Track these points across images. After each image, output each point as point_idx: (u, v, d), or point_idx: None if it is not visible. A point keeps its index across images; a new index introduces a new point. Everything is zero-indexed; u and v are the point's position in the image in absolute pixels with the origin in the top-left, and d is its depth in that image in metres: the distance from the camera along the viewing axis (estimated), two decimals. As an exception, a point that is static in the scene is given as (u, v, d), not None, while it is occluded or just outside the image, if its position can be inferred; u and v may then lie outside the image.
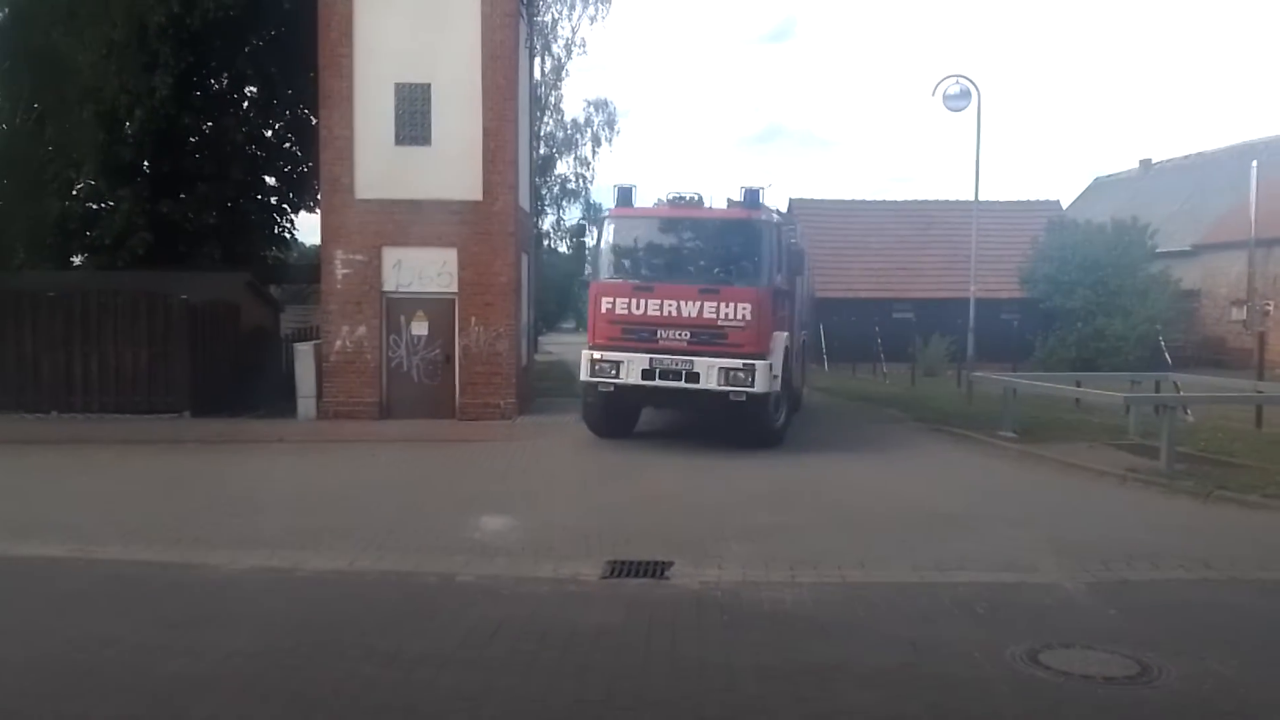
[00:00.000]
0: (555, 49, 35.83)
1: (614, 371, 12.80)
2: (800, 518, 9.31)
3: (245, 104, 22.26)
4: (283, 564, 7.48)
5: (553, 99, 37.00)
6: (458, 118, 16.18)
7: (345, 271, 16.26)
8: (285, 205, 23.57)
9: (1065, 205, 37.92)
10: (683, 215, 13.53)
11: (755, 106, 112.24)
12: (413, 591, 6.91)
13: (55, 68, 20.13)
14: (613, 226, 13.91)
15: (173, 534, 8.36)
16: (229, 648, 5.62)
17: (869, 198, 41.41)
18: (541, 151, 35.40)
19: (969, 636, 5.99)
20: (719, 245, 13.63)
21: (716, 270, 13.38)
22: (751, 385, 12.34)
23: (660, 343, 12.74)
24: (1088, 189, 45.58)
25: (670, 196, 13.71)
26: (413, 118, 16.24)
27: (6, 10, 20.93)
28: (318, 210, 18.40)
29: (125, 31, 19.12)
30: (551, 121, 37.67)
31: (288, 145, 22.92)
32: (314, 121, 18.73)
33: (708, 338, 12.63)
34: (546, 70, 35.37)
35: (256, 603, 6.69)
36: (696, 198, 13.57)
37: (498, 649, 5.67)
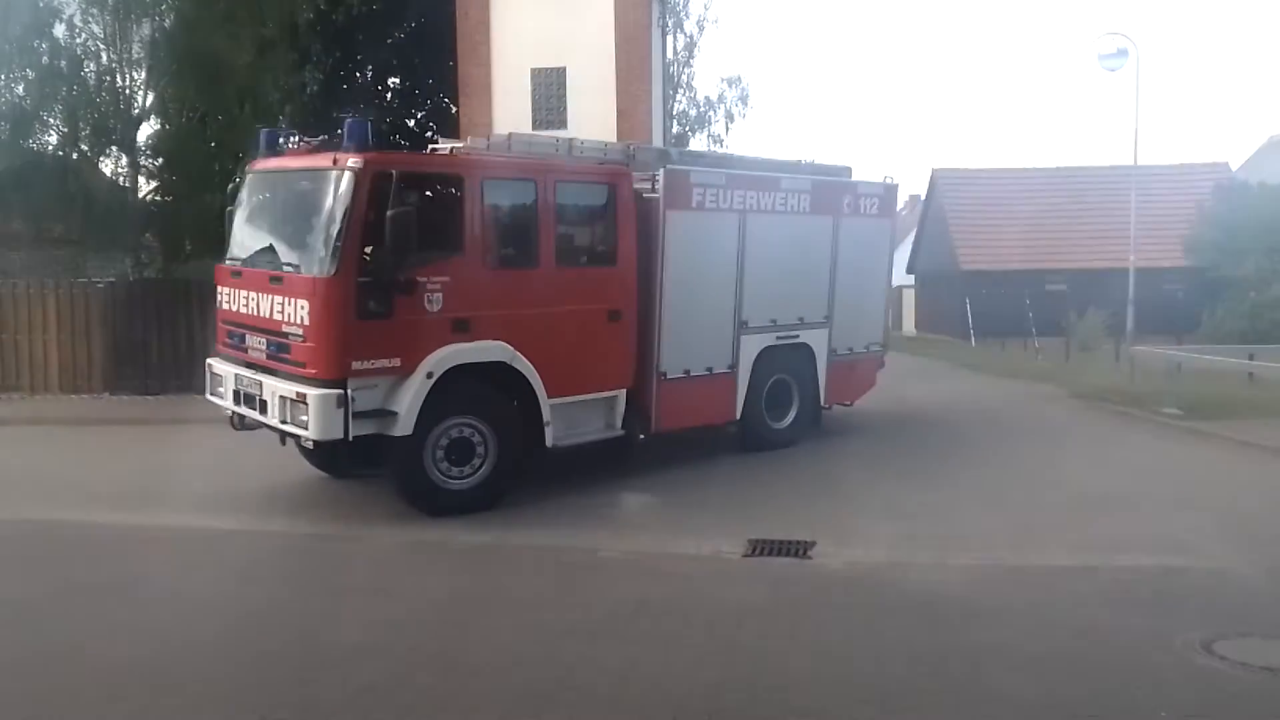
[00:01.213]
0: (687, 26, 35.66)
1: (221, 390, 9.05)
2: (947, 496, 9.03)
3: (389, 95, 23.04)
4: (437, 537, 7.76)
5: (685, 76, 36.88)
6: (592, 100, 16.34)
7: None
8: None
9: (1235, 167, 35.35)
10: (276, 167, 8.97)
11: (897, 73, 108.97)
12: (557, 564, 7.06)
13: (215, 70, 21.32)
14: (246, 185, 9.41)
15: (331, 508, 8.76)
16: (387, 616, 5.88)
17: (1020, 165, 39.45)
18: (675, 130, 35.35)
19: (1133, 623, 5.69)
20: (301, 210, 8.53)
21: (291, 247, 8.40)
22: (306, 426, 7.69)
23: (248, 352, 8.66)
24: (1261, 149, 42.37)
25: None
26: (549, 102, 16.50)
27: (172, 18, 22.25)
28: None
29: (277, 30, 20.08)
30: (684, 99, 37.55)
31: (429, 134, 23.60)
32: (454, 110, 19.25)
33: (275, 349, 8.22)
34: (679, 48, 35.27)
35: (412, 573, 6.98)
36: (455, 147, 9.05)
37: (643, 624, 5.73)
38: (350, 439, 7.68)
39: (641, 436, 9.64)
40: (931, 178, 36.65)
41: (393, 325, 7.80)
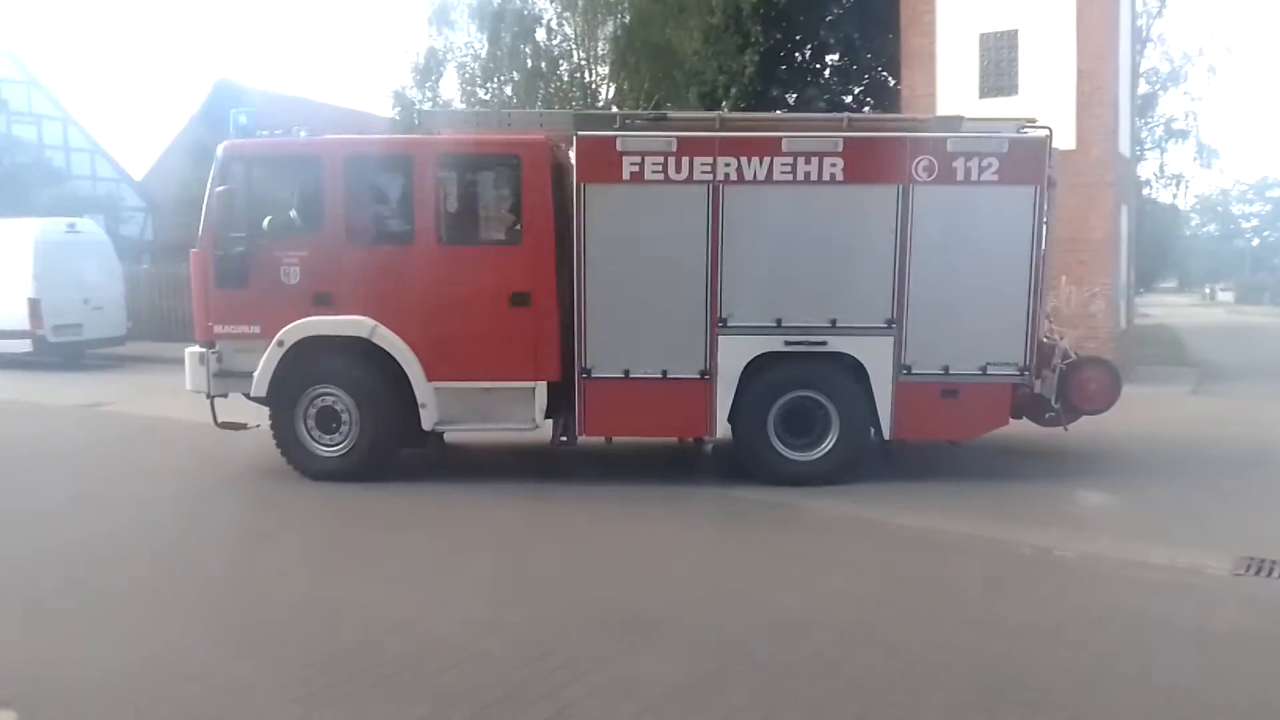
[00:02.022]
0: (1161, -28, 31.69)
1: None
2: None
3: (826, 72, 23.15)
4: (874, 515, 7.67)
5: (1155, 30, 32.85)
6: (1048, 62, 15.08)
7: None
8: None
9: None
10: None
11: None
12: (1005, 559, 6.64)
13: (667, 58, 22.82)
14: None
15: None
16: (827, 588, 5.91)
17: None
18: (1142, 90, 31.65)
19: None
20: None
21: None
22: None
23: None
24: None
25: None
26: (998, 68, 15.50)
27: (631, 15, 24.18)
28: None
29: (723, 17, 21.01)
30: (1154, 55, 33.48)
31: (867, 109, 23.38)
32: (893, 83, 18.86)
33: None
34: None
35: (849, 547, 6.96)
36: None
37: (1109, 634, 5.19)
38: (211, 395, 8.61)
39: (563, 439, 8.62)
40: None
41: (250, 295, 8.41)
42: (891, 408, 8.33)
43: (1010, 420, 8.63)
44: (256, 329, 8.50)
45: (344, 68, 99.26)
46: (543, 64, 22.65)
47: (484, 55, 21.36)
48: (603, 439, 8.82)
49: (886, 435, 8.43)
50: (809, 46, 22.55)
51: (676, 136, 8.19)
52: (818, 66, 23.11)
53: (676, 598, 5.76)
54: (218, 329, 8.63)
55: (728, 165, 8.11)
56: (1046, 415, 8.72)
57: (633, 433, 8.85)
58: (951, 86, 15.76)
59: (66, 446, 10.78)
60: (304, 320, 8.39)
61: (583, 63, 23.61)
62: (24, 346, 17.94)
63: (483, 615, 5.38)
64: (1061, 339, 8.89)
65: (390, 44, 64.83)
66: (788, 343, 8.30)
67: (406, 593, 5.81)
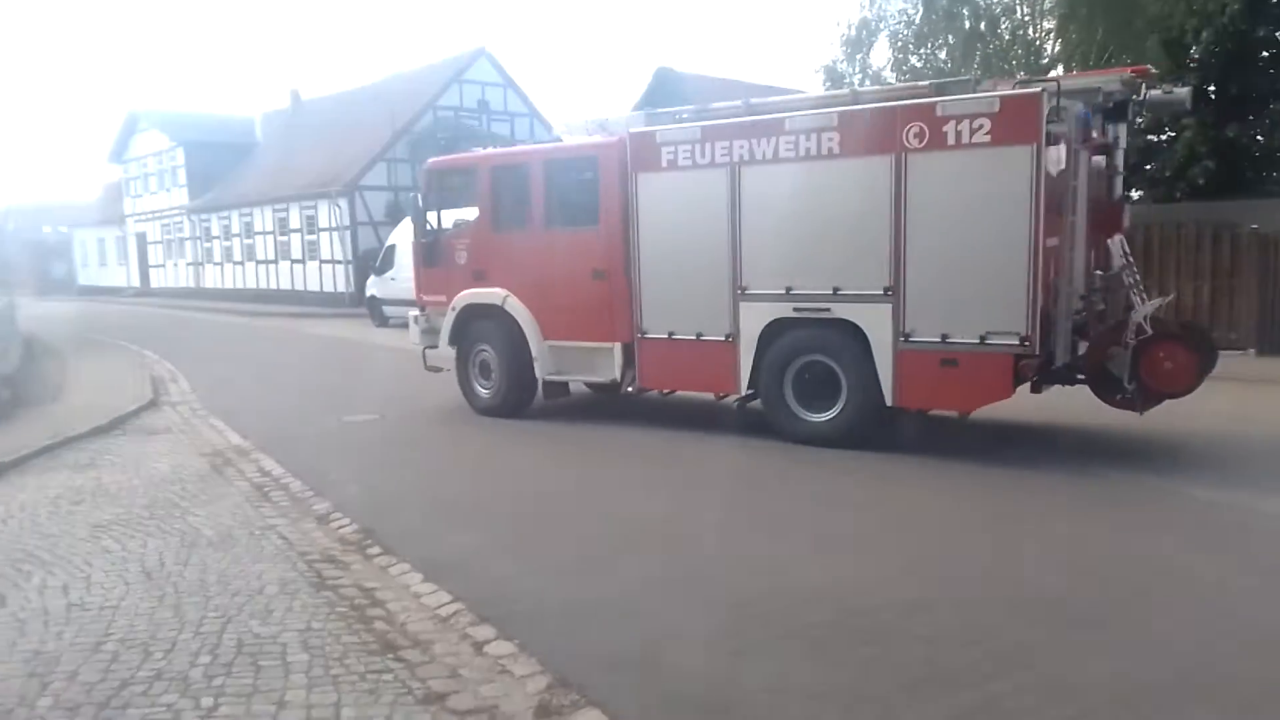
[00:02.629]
0: None
1: None
2: None
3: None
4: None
5: None
6: None
7: None
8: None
9: None
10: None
11: None
12: None
13: (1125, 4, 20.47)
14: None
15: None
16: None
17: None
18: None
19: None
20: None
21: None
22: None
23: None
24: None
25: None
26: None
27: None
28: None
29: (1197, -47, 18.35)
30: None
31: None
32: None
33: None
34: None
35: None
36: None
37: None
38: (423, 346, 11.72)
39: (628, 389, 10.01)
40: None
41: (440, 273, 11.29)
42: (893, 375, 8.34)
43: (1013, 392, 7.99)
44: (443, 298, 11.18)
45: (775, 45, 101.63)
46: (981, 24, 21.37)
47: (918, 21, 20.60)
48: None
49: (889, 402, 8.42)
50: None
51: (701, 125, 9.23)
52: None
53: (1111, 595, 5.16)
54: (425, 298, 11.68)
55: (742, 148, 8.84)
56: (1118, 397, 7.99)
57: (677, 386, 10.09)
58: None
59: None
60: (466, 291, 10.93)
61: (1026, 19, 21.93)
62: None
63: (909, 594, 5.20)
64: (1141, 307, 7.85)
65: (820, 17, 64.87)
66: (796, 309, 8.77)
67: (835, 562, 5.80)
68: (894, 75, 22.04)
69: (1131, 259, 8.19)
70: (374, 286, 24.78)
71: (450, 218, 11.72)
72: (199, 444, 9.94)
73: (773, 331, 8.93)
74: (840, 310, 8.54)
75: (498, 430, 10.40)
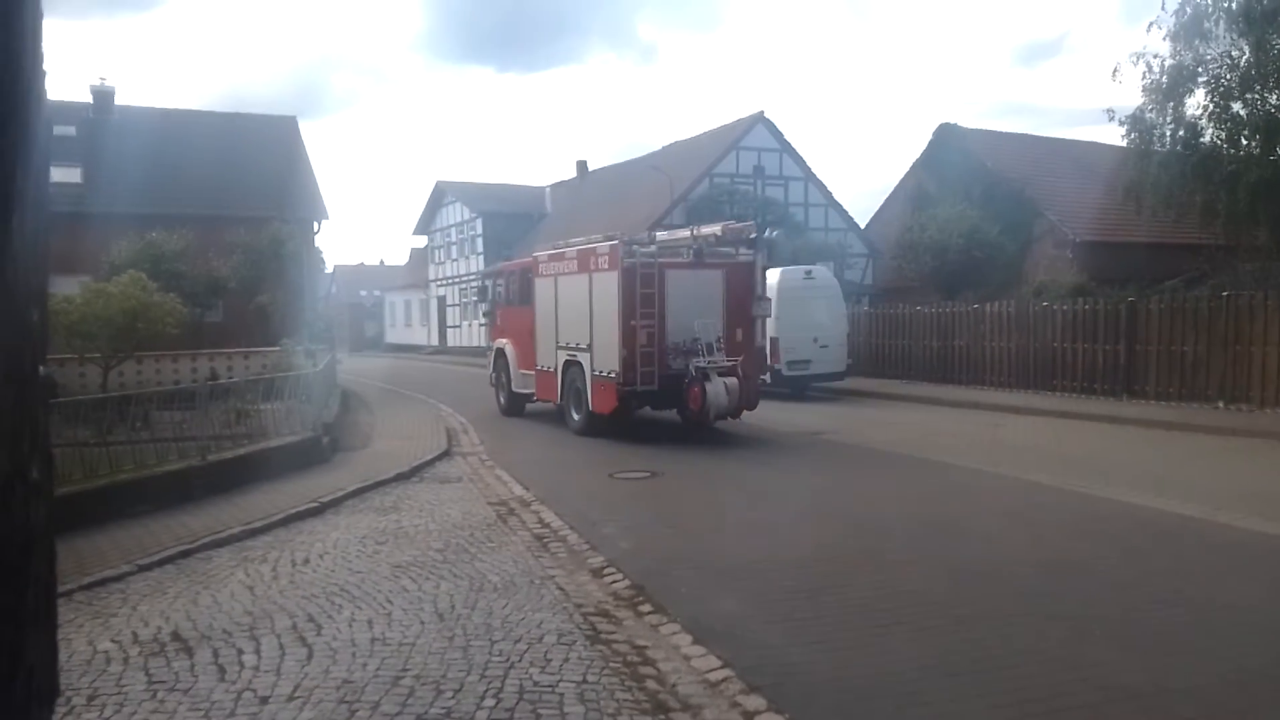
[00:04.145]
0: None
1: None
2: None
3: None
4: None
5: None
6: None
7: None
8: None
9: None
10: None
11: None
12: None
13: None
14: None
15: None
16: None
17: None
18: None
19: None
20: None
21: None
22: None
23: None
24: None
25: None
26: None
27: None
28: None
29: None
30: None
31: None
32: None
33: None
34: None
35: None
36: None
37: None
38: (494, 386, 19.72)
39: (534, 400, 17.99)
40: None
41: (494, 329, 19.95)
42: (590, 393, 14.75)
43: (618, 404, 14.10)
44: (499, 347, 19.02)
45: (1068, 94, 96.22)
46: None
47: (1242, 63, 18.55)
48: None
49: (591, 408, 14.77)
50: None
51: (548, 252, 16.47)
52: None
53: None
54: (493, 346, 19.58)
55: (558, 265, 15.88)
56: (699, 419, 14.02)
57: (542, 397, 16.91)
58: None
59: (798, 467, 12.03)
60: (497, 340, 19.01)
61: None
62: (762, 378, 20.64)
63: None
64: (694, 362, 13.80)
65: (1120, 65, 60.58)
66: (566, 356, 15.52)
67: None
68: (1210, 124, 20.06)
69: (719, 337, 14.02)
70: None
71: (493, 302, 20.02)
72: (486, 493, 10.59)
73: (567, 365, 15.52)
74: (579, 356, 15.07)
75: (766, 490, 10.33)
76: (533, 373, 16.76)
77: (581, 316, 14.71)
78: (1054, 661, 5.18)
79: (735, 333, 14.32)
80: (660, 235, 15.68)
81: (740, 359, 13.95)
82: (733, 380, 13.60)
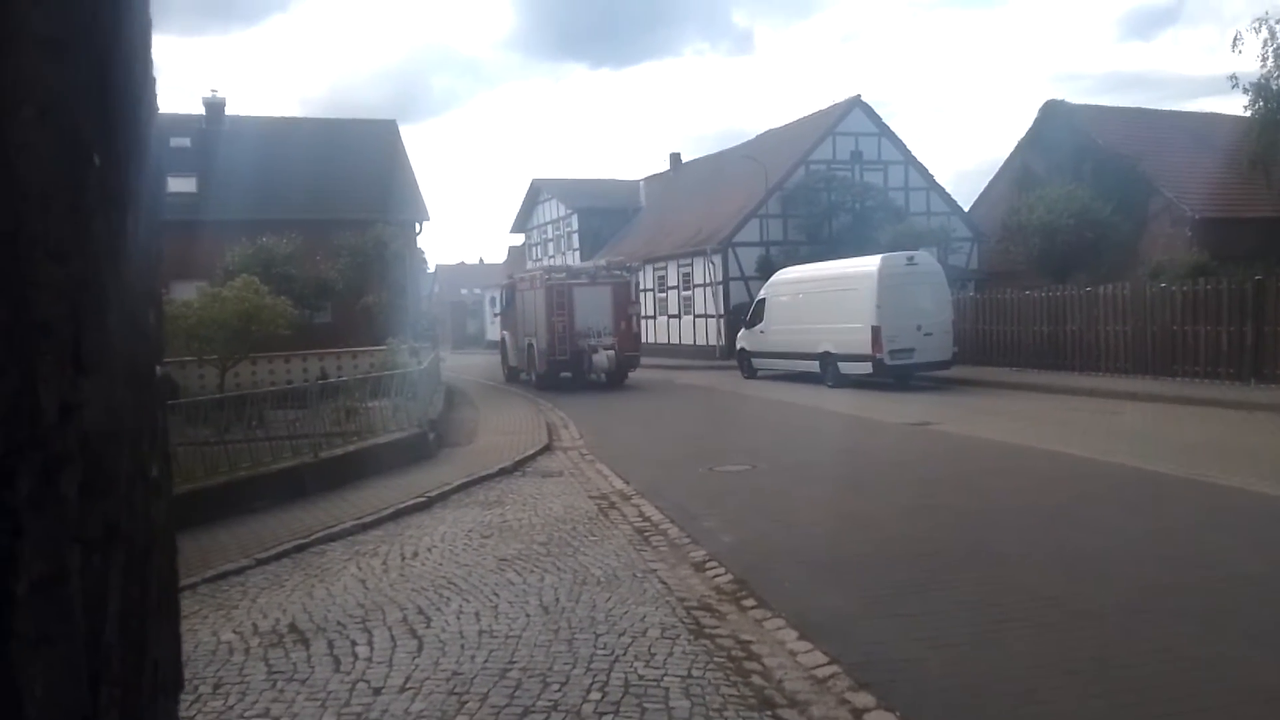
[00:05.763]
0: None
1: None
2: None
3: None
4: None
5: None
6: None
7: None
8: None
9: None
10: None
11: None
12: None
13: None
14: None
15: None
16: None
17: None
18: None
19: None
20: None
21: None
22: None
23: None
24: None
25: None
26: None
27: None
28: None
29: None
30: None
31: None
32: None
33: None
34: None
35: None
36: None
37: None
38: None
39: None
40: None
41: (506, 323, 29.77)
42: (536, 361, 24.66)
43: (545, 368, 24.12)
44: (507, 334, 28.26)
45: (1185, 63, 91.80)
46: None
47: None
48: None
49: (538, 371, 24.62)
50: None
51: (521, 276, 28.01)
52: None
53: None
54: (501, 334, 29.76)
55: (524, 284, 26.16)
56: (590, 378, 23.93)
57: (518, 367, 26.66)
58: None
59: (903, 458, 11.79)
60: (502, 331, 29.04)
61: None
62: (865, 368, 20.30)
63: None
64: (594, 343, 23.83)
65: (1241, 33, 57.71)
66: (528, 341, 25.10)
67: None
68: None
69: (607, 327, 24.20)
70: (744, 340, 25.47)
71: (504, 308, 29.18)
72: (588, 487, 10.66)
73: (527, 348, 24.87)
74: (532, 340, 24.49)
75: (870, 484, 10.14)
76: (516, 352, 26.35)
77: (533, 317, 24.45)
78: (1184, 660, 4.93)
79: (620, 325, 24.09)
80: (572, 265, 30.83)
81: (617, 340, 23.76)
82: (611, 353, 23.46)
